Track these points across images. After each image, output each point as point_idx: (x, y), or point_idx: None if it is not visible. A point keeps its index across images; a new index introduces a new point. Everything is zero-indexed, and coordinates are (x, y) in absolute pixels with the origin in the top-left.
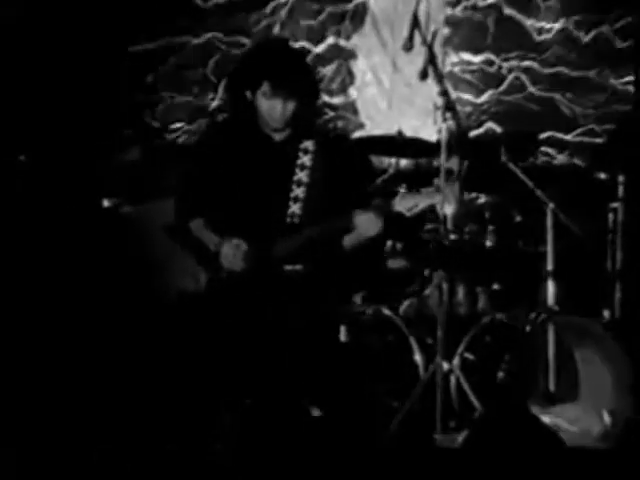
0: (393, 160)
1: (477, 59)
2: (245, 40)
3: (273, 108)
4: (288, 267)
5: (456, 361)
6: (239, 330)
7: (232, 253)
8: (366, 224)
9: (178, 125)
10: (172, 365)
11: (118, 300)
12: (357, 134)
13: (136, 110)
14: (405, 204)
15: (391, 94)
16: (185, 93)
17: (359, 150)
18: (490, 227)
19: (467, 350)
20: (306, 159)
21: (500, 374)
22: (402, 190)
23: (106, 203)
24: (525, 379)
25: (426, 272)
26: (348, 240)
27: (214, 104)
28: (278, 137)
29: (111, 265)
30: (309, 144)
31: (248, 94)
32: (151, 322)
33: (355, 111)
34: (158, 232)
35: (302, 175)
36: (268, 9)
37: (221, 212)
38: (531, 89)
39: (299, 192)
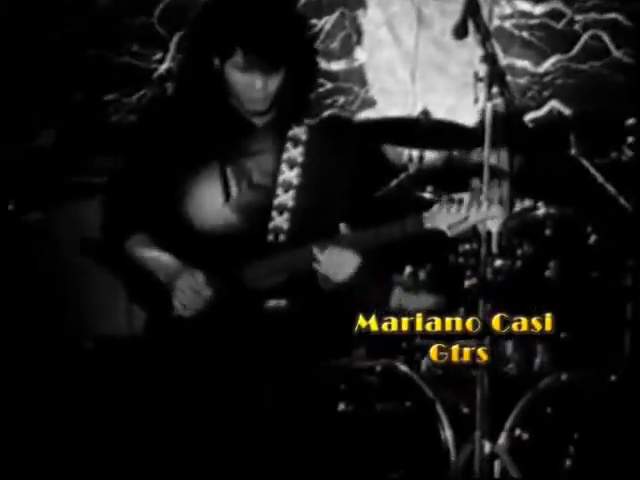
0: (415, 153)
1: (538, 9)
2: None
3: (250, 86)
4: (270, 302)
5: (503, 440)
6: (190, 397)
7: (190, 291)
8: (329, 263)
9: (110, 97)
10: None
11: (17, 338)
12: (366, 115)
13: (50, 75)
14: (448, 218)
15: (415, 58)
16: (121, 52)
17: (368, 138)
18: (553, 250)
19: (519, 425)
20: (296, 153)
21: (566, 461)
22: (442, 197)
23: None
24: (603, 469)
25: (461, 312)
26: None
27: (162, 68)
28: (259, 122)
29: (8, 293)
30: (300, 132)
31: (215, 60)
32: (64, 370)
33: (363, 82)
34: (75, 248)
35: (291, 175)
36: None
37: (174, 225)
38: (616, 53)
39: (286, 198)
